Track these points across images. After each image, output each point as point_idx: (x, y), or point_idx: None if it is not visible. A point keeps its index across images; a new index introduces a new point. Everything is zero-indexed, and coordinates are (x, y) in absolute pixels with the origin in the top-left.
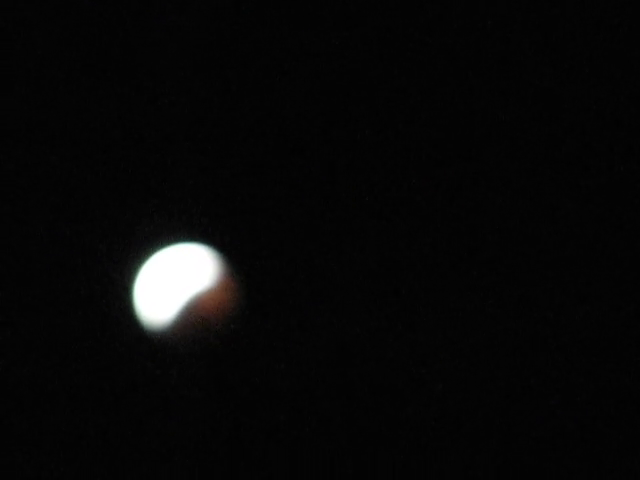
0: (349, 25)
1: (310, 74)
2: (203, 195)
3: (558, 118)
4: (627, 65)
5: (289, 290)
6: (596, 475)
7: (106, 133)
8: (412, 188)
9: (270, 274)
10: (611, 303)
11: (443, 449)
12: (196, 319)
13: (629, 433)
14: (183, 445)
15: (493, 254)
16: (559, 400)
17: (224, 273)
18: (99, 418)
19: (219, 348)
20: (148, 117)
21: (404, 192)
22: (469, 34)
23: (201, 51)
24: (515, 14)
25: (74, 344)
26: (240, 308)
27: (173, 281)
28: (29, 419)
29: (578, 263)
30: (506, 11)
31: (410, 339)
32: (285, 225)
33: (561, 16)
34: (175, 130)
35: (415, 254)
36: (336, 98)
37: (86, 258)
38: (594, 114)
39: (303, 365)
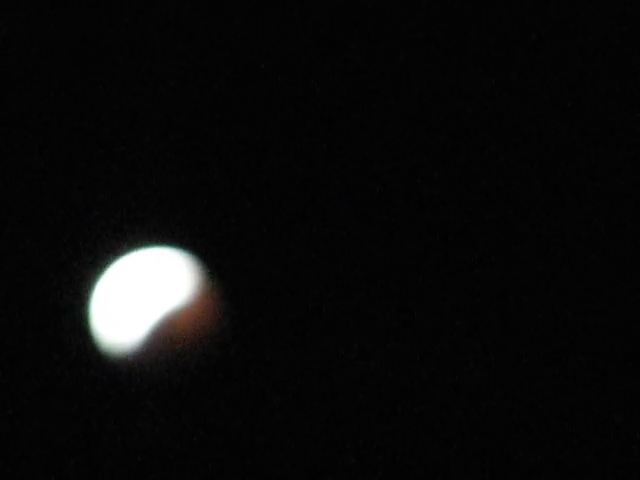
0: (348, 25)
1: (288, 68)
2: (177, 189)
3: (558, 118)
4: (627, 65)
5: (280, 304)
6: (596, 475)
7: (65, 124)
8: (400, 190)
9: (258, 285)
10: (611, 303)
11: (443, 449)
12: (168, 341)
13: (629, 433)
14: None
15: (493, 254)
16: (560, 400)
17: (202, 284)
18: (52, 455)
19: (197, 376)
20: (114, 108)
21: (392, 191)
22: (469, 34)
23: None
24: (516, 14)
25: (17, 374)
26: (222, 327)
27: (139, 294)
28: None
29: (578, 263)
30: (507, 11)
31: (403, 341)
32: (276, 226)
33: (561, 16)
34: (146, 120)
35: (403, 257)
36: (317, 95)
37: (31, 266)
38: (594, 114)
39: (297, 394)
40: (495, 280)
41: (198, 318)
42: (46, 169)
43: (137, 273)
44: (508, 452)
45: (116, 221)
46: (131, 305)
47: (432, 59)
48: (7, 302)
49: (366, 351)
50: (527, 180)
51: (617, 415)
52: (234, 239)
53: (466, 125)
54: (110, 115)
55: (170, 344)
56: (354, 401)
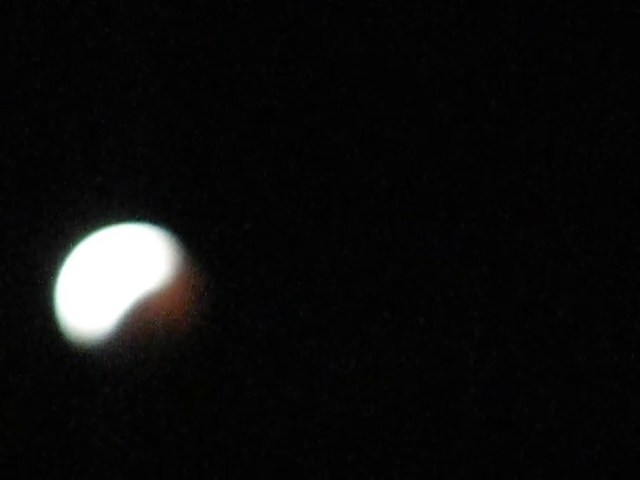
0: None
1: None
2: (152, 159)
3: (559, 119)
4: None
5: (267, 286)
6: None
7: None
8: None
9: (243, 266)
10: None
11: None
12: (143, 327)
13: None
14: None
15: (494, 256)
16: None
17: (181, 264)
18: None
19: (174, 366)
20: (88, 80)
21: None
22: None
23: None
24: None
25: None
26: (203, 312)
27: (110, 276)
28: None
29: (579, 263)
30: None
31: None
32: (262, 200)
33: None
34: (122, 93)
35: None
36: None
37: None
38: (595, 115)
39: (284, 387)
40: (495, 280)
41: (175, 302)
42: (16, 142)
43: (108, 252)
44: (508, 452)
45: (85, 195)
46: (101, 288)
47: (432, 59)
48: None
49: (352, 335)
50: (527, 180)
51: (617, 415)
52: (215, 214)
53: (466, 125)
54: (82, 88)
55: (144, 331)
56: (341, 387)
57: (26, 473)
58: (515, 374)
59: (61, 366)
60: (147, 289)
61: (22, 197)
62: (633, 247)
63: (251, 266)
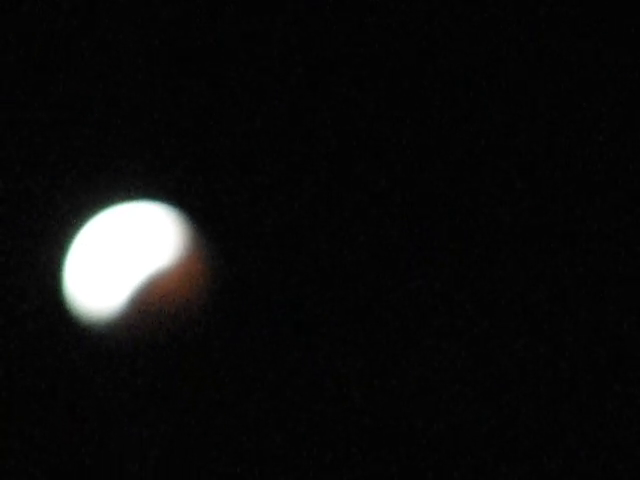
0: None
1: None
2: (163, 137)
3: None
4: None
5: (278, 266)
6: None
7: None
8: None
9: (253, 243)
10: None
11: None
12: (151, 307)
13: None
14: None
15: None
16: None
17: (191, 243)
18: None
19: (183, 347)
20: (97, 55)
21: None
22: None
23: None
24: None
25: None
26: (213, 291)
27: (118, 254)
28: None
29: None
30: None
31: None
32: (271, 177)
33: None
34: (130, 69)
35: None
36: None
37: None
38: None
39: (293, 365)
40: (496, 281)
41: (184, 281)
42: (23, 119)
43: (116, 231)
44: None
45: (93, 171)
46: (109, 267)
47: (433, 60)
48: None
49: (361, 314)
50: (527, 181)
51: (617, 415)
52: (225, 191)
53: (466, 126)
54: (92, 63)
55: (153, 310)
56: (349, 366)
57: (36, 456)
58: (515, 374)
59: (70, 346)
60: (156, 267)
61: (31, 175)
62: (633, 247)
63: (261, 243)
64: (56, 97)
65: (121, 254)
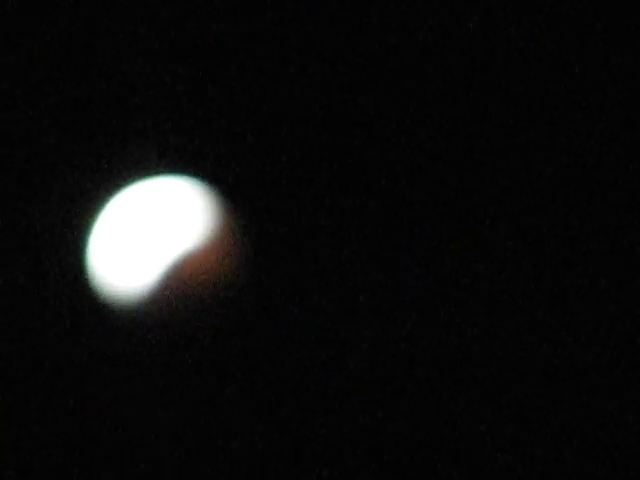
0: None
1: None
2: (190, 110)
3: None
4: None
5: (306, 242)
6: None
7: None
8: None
9: (282, 218)
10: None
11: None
12: (181, 287)
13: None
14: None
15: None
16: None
17: (223, 221)
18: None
19: (213, 328)
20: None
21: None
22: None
23: None
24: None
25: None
26: (244, 271)
27: (146, 233)
28: None
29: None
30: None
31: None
32: (303, 154)
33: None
34: (155, 46)
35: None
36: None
37: (21, 199)
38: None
39: (317, 346)
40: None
41: (215, 262)
42: (47, 96)
43: (143, 208)
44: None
45: (121, 145)
46: (137, 246)
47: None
48: None
49: (386, 299)
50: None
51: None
52: (257, 169)
53: (467, 127)
54: (115, 43)
55: (183, 292)
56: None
57: (63, 438)
58: (515, 374)
59: (97, 328)
60: (186, 246)
61: (57, 152)
62: (633, 247)
63: (290, 222)
64: (84, 72)
65: (150, 232)
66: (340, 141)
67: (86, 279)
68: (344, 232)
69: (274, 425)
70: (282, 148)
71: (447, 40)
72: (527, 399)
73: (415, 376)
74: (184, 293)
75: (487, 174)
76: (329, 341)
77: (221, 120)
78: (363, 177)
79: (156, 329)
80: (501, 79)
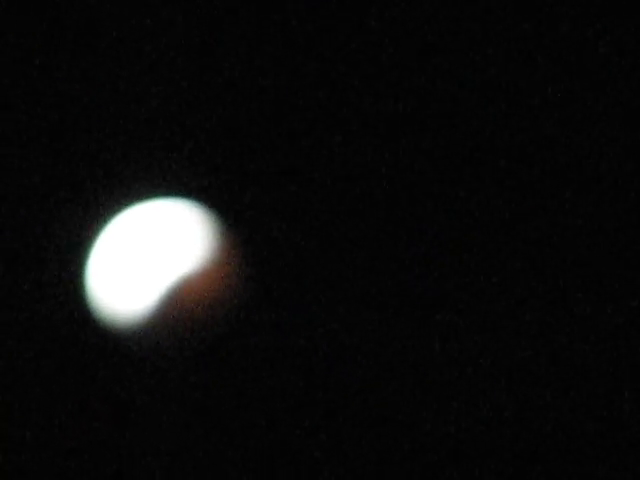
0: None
1: None
2: (192, 135)
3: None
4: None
5: (306, 264)
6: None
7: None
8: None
9: (283, 241)
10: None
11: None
12: (179, 309)
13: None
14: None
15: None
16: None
17: (222, 244)
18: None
19: (211, 350)
20: (119, 51)
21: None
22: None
23: None
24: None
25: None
26: (244, 294)
27: (146, 255)
28: None
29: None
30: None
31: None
32: (302, 177)
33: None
34: (154, 64)
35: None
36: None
37: (21, 221)
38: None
39: (318, 364)
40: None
41: (215, 284)
42: (45, 115)
43: (142, 230)
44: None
45: (120, 167)
46: (136, 268)
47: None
48: None
49: (390, 313)
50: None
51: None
52: (256, 190)
53: (466, 127)
54: (114, 60)
55: (182, 314)
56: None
57: (62, 456)
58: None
59: (95, 349)
60: (185, 268)
61: (56, 172)
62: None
63: (290, 244)
64: (84, 91)
65: (148, 254)
66: (336, 161)
67: (85, 301)
68: (342, 254)
69: (271, 448)
70: (279, 171)
71: (447, 40)
72: (527, 399)
73: (415, 382)
74: (183, 315)
75: (487, 174)
76: (328, 360)
77: (220, 144)
78: (361, 200)
79: (155, 351)
80: (501, 79)
